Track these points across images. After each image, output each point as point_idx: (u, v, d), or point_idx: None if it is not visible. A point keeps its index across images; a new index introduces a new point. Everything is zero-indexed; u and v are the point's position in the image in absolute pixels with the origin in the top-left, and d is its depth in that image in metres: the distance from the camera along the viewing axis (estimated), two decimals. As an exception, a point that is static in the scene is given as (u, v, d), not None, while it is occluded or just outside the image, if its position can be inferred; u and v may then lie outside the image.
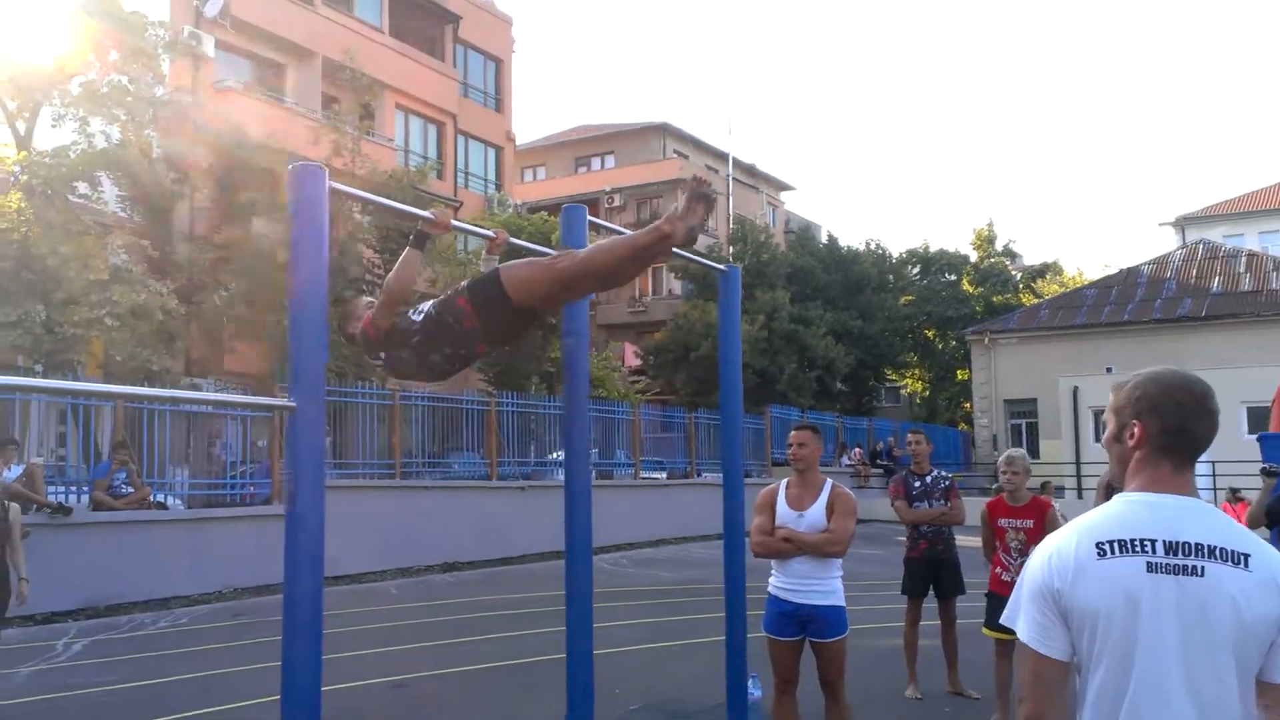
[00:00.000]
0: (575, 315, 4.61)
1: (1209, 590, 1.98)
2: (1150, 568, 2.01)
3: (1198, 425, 2.12)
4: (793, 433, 5.33)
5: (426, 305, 3.96)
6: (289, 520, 3.36)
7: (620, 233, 5.77)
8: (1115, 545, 2.05)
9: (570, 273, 3.75)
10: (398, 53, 27.59)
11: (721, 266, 5.81)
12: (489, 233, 4.31)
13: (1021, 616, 2.14)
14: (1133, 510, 2.10)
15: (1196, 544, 2.01)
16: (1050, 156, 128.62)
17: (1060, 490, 23.57)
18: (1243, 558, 2.00)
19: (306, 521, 3.35)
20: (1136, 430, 2.14)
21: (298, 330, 3.40)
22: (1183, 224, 44.89)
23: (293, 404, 3.35)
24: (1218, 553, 2.01)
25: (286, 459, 3.41)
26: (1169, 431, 2.12)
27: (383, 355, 4.02)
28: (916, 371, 47.38)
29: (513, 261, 3.91)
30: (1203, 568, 2.00)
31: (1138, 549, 2.03)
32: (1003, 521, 6.63)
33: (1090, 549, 2.06)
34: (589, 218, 4.77)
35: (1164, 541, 2.02)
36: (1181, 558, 2.01)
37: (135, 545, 12.41)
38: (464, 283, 3.97)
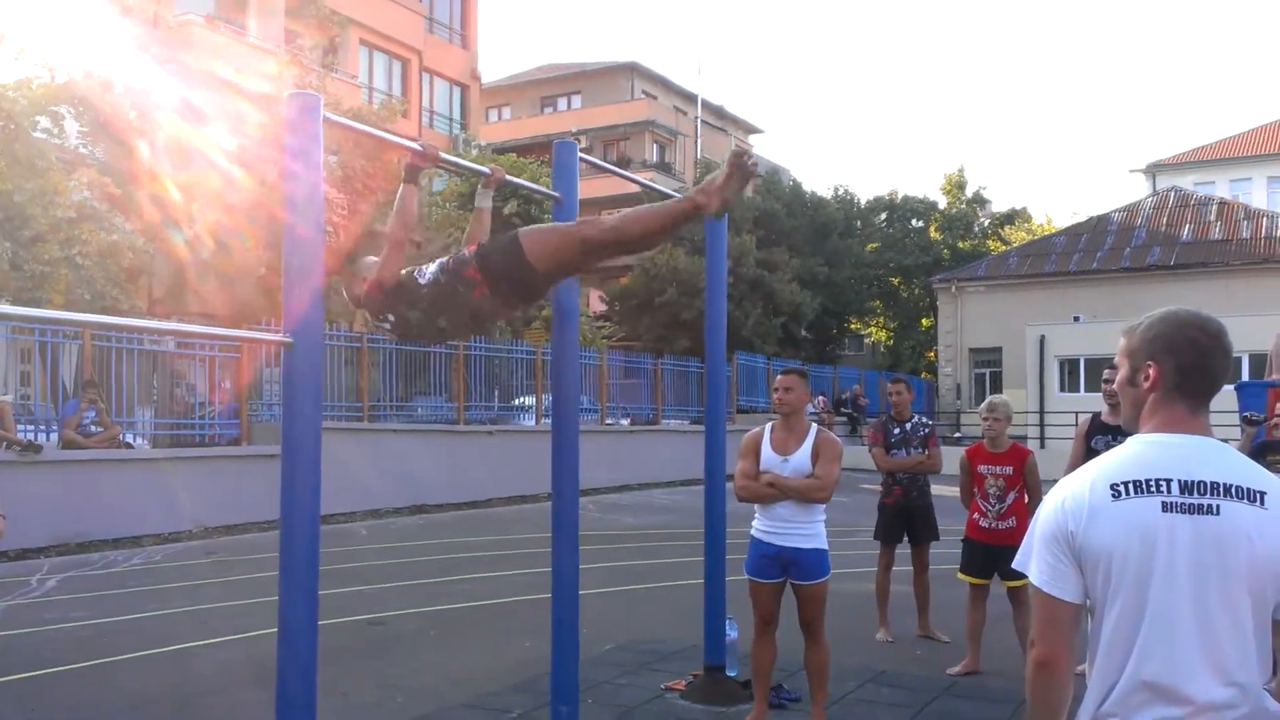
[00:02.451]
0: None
1: (1225, 528, 1.99)
2: (1165, 507, 2.02)
3: (1214, 363, 2.12)
4: (779, 376, 5.32)
5: (432, 267, 3.87)
6: (285, 459, 3.35)
7: (606, 169, 5.76)
8: (1130, 486, 2.05)
9: (598, 240, 3.67)
10: (363, -14, 27.07)
11: (709, 210, 5.77)
12: (485, 169, 4.24)
13: (1033, 560, 2.15)
14: (1148, 451, 2.10)
15: (1212, 483, 2.02)
16: (1020, 101, 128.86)
17: (1022, 439, 23.86)
18: (1259, 495, 2.01)
19: (304, 461, 3.34)
20: (1152, 372, 2.14)
21: (292, 264, 3.35)
22: (1154, 171, 44.65)
23: (289, 339, 3.31)
24: (1234, 491, 2.01)
25: (284, 397, 3.38)
26: (1185, 371, 2.11)
27: (391, 318, 3.93)
28: (881, 319, 47.58)
29: (533, 228, 3.85)
30: (1218, 506, 2.00)
31: (1153, 489, 2.03)
32: (982, 468, 6.69)
33: (1105, 490, 2.06)
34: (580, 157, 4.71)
35: (1179, 481, 2.03)
36: (1197, 496, 2.01)
37: (106, 483, 12.36)
38: (468, 251, 3.87)
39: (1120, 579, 2.03)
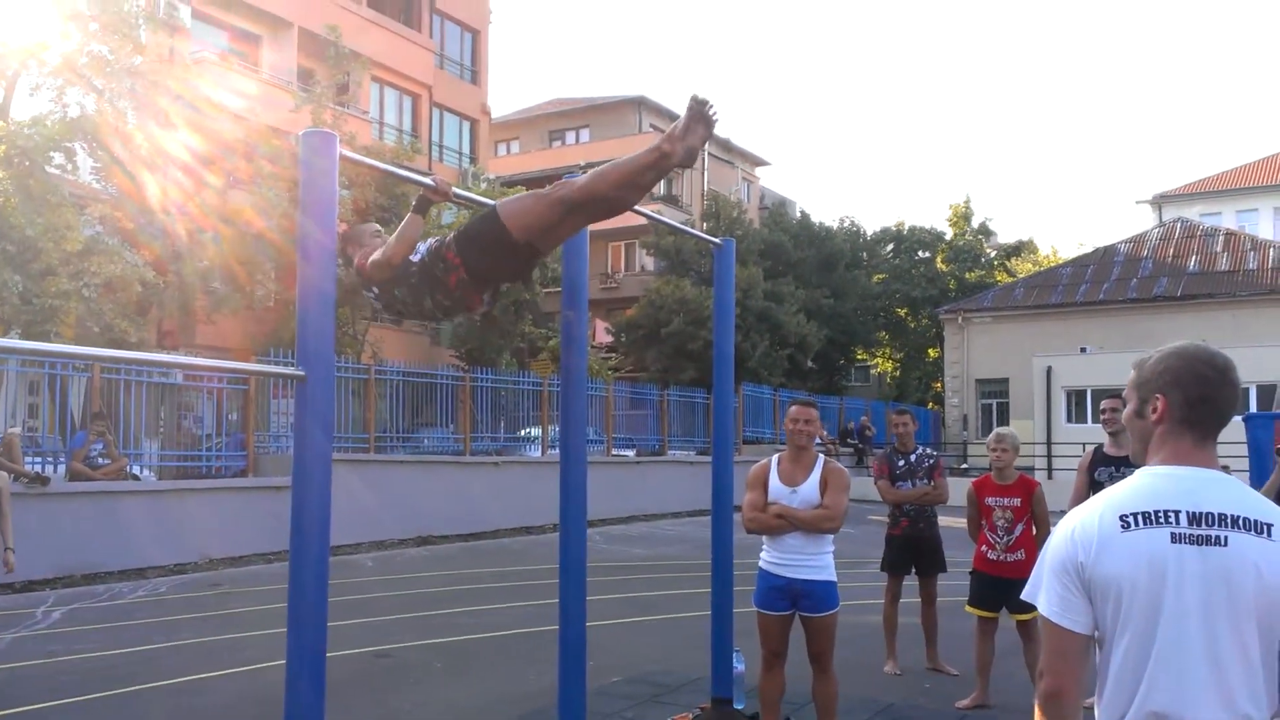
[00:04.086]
0: (576, 288, 4.61)
1: (1233, 560, 2.00)
2: (1174, 538, 2.03)
3: (1220, 396, 2.15)
4: (797, 408, 5.31)
5: (422, 248, 3.87)
6: (296, 491, 3.35)
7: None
8: (1139, 517, 2.07)
9: (571, 200, 3.63)
10: (374, 23, 27.34)
11: (716, 240, 5.82)
12: (491, 202, 4.27)
13: (1043, 591, 2.16)
14: (1157, 483, 2.12)
15: (1220, 514, 2.04)
16: (1026, 133, 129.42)
17: (1029, 470, 23.78)
18: (1266, 527, 2.03)
19: (315, 492, 3.33)
20: (1159, 404, 2.17)
21: (306, 298, 3.37)
22: (1160, 202, 44.70)
23: (302, 373, 3.33)
24: (1241, 522, 2.03)
25: (296, 429, 3.39)
26: (1192, 403, 2.14)
27: (375, 289, 3.95)
28: (887, 350, 47.60)
29: (510, 198, 3.85)
30: (1226, 538, 2.02)
31: (1162, 520, 2.05)
32: (989, 500, 6.67)
33: (1114, 521, 2.08)
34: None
35: (1188, 512, 2.05)
36: (1205, 528, 2.03)
37: (112, 515, 12.37)
38: (451, 234, 3.85)
39: (1129, 610, 2.05)
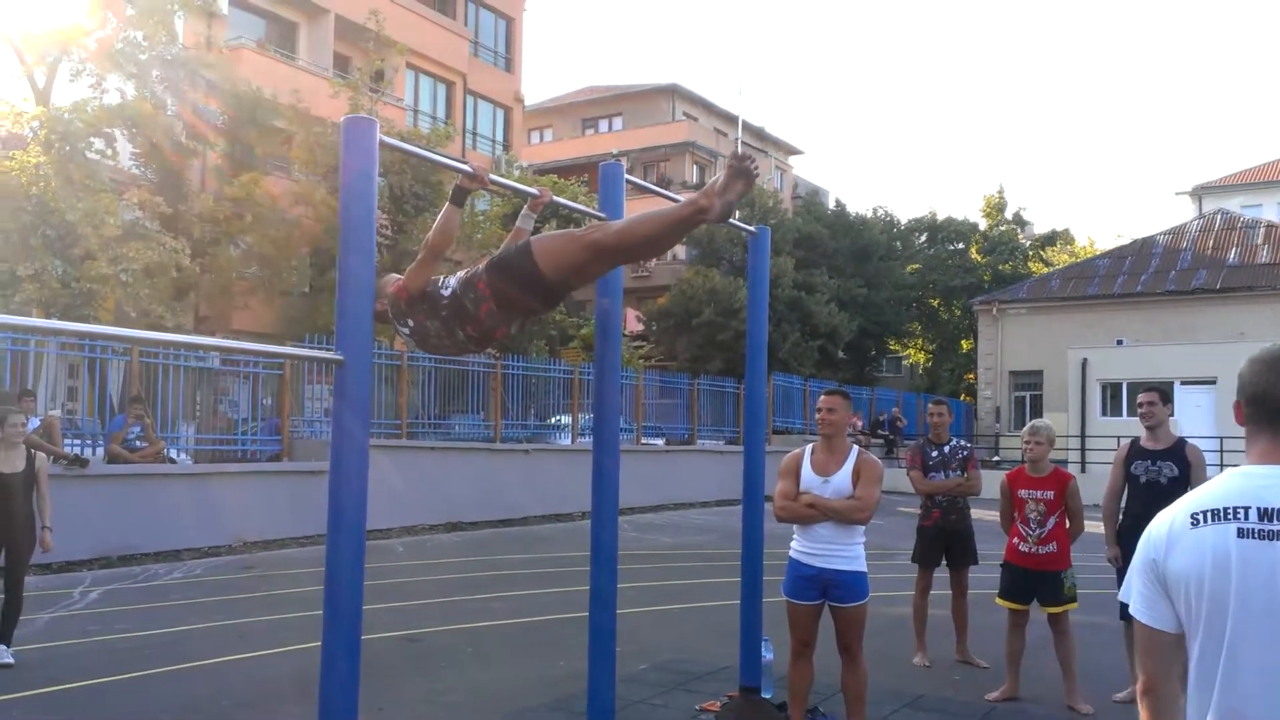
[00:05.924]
0: (610, 276, 4.62)
1: None
2: (1241, 533, 2.04)
3: (1273, 388, 2.15)
4: (823, 397, 5.32)
5: (453, 280, 3.91)
6: (333, 475, 3.39)
7: (651, 190, 5.74)
8: (1209, 514, 2.09)
9: (604, 245, 3.68)
10: (409, 10, 27.40)
11: (751, 229, 5.80)
12: (533, 190, 4.27)
13: (1133, 591, 2.21)
14: (1234, 481, 2.14)
15: None
16: (1064, 122, 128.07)
17: (1063, 463, 23.59)
18: None
19: (351, 477, 3.37)
20: (1236, 409, 2.23)
21: (346, 283, 3.41)
22: (1200, 193, 44.07)
23: (340, 357, 3.37)
24: None
25: (334, 413, 3.42)
26: (1252, 402, 2.18)
27: (410, 323, 3.94)
28: (920, 341, 47.33)
29: (545, 234, 3.87)
30: None
31: (1230, 516, 2.07)
32: (1023, 492, 6.63)
33: (1186, 520, 2.12)
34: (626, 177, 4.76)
35: (1258, 508, 2.05)
36: (1274, 523, 2.03)
37: (149, 498, 12.52)
38: (483, 264, 3.87)
39: (1198, 606, 2.07)
